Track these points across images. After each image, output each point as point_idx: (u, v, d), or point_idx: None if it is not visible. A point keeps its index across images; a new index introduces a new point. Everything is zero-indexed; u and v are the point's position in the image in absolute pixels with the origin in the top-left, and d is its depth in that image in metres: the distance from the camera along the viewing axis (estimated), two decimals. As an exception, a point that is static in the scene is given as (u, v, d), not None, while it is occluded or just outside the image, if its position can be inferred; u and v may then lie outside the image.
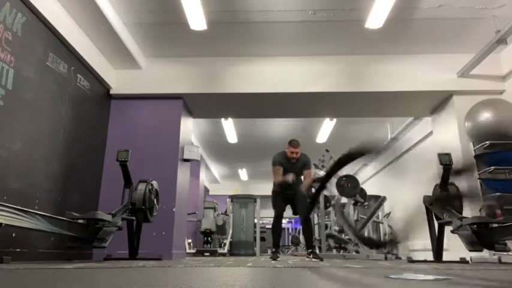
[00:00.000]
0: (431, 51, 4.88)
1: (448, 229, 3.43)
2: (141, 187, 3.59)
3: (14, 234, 3.02)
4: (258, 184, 12.94)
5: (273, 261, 3.62)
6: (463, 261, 3.59)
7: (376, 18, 4.12)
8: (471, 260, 3.89)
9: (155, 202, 3.75)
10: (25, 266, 2.16)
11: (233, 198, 8.60)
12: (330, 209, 7.72)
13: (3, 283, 1.14)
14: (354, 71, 4.95)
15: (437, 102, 5.14)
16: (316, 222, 8.00)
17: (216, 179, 12.44)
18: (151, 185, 3.68)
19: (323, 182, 4.44)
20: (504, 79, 4.71)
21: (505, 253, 3.32)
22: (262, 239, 9.73)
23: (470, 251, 3.07)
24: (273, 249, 4.28)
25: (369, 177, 10.18)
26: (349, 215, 6.63)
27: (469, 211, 4.13)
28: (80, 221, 2.94)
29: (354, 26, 4.36)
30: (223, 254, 7.37)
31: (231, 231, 8.01)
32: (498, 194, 4.00)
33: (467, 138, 4.47)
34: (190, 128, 5.56)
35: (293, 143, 4.26)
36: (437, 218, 3.59)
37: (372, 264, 3.00)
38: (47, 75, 3.62)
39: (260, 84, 4.96)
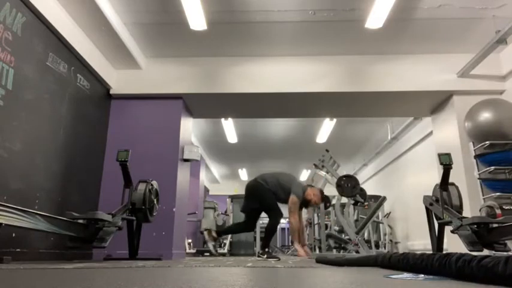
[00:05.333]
0: (431, 51, 4.88)
1: (448, 229, 3.43)
2: (141, 187, 3.58)
3: (14, 234, 3.02)
4: (258, 184, 12.92)
5: (274, 261, 3.61)
6: (463, 261, 3.58)
7: (376, 18, 4.12)
8: (471, 260, 3.88)
9: (155, 202, 3.75)
10: (25, 266, 2.16)
11: (233, 198, 8.60)
12: (330, 209, 7.73)
13: (3, 283, 1.14)
14: (354, 71, 4.96)
15: (437, 102, 5.14)
16: (316, 222, 8.01)
17: (216, 179, 12.44)
18: (151, 185, 3.68)
19: None
20: (504, 79, 4.71)
21: (505, 253, 3.32)
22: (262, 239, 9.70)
23: (470, 251, 3.07)
24: (268, 249, 4.20)
25: (369, 177, 10.19)
26: (349, 215, 6.63)
27: (469, 211, 4.14)
28: (80, 221, 2.94)
29: (354, 26, 4.36)
30: (223, 254, 7.37)
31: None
32: (498, 193, 4.01)
33: (467, 138, 4.47)
34: (190, 128, 5.56)
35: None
36: (437, 218, 3.59)
37: (372, 264, 2.99)
38: (47, 75, 3.62)
39: (260, 84, 4.96)
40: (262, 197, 4.21)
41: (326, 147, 6.94)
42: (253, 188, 4.30)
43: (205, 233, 4.26)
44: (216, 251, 4.19)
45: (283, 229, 15.94)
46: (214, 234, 4.25)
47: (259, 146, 9.12)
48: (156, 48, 4.90)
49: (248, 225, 4.43)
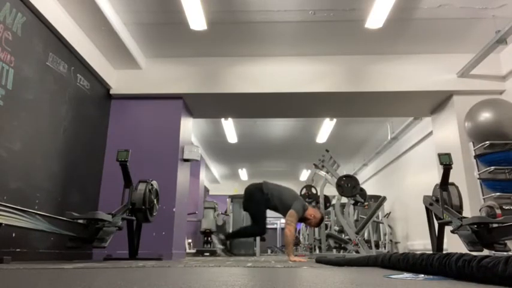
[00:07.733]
0: (431, 51, 4.88)
1: (448, 229, 3.43)
2: (141, 187, 3.59)
3: (14, 234, 3.02)
4: (258, 184, 12.92)
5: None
6: (463, 261, 3.57)
7: (376, 18, 4.12)
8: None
9: (155, 202, 3.75)
10: (25, 266, 2.16)
11: (233, 198, 8.60)
12: (330, 209, 7.73)
13: (3, 283, 1.14)
14: (354, 71, 4.96)
15: (437, 102, 5.14)
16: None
17: (216, 179, 12.44)
18: (151, 185, 3.69)
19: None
20: (504, 79, 4.71)
21: (505, 253, 3.32)
22: (262, 239, 9.71)
23: (470, 251, 3.07)
24: (227, 244, 4.26)
25: (369, 177, 10.19)
26: (349, 215, 6.63)
27: (469, 211, 4.14)
28: (80, 221, 2.94)
29: (354, 26, 4.36)
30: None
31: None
32: (498, 193, 4.01)
33: (467, 138, 4.47)
34: (190, 128, 5.56)
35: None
36: (437, 218, 3.59)
37: (372, 264, 2.99)
38: (47, 75, 3.62)
39: (260, 84, 4.96)
40: (254, 206, 4.24)
41: (326, 147, 6.95)
42: (250, 193, 4.31)
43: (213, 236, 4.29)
44: (229, 252, 4.22)
45: (283, 229, 15.92)
46: (222, 237, 4.30)
47: (259, 146, 9.12)
48: (156, 48, 4.90)
49: (258, 226, 4.36)
